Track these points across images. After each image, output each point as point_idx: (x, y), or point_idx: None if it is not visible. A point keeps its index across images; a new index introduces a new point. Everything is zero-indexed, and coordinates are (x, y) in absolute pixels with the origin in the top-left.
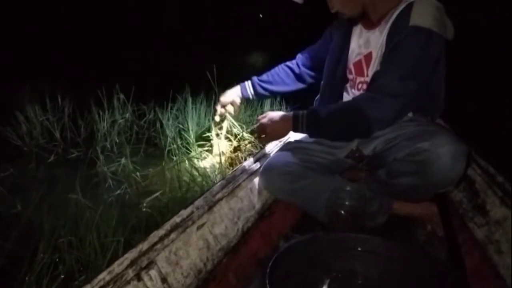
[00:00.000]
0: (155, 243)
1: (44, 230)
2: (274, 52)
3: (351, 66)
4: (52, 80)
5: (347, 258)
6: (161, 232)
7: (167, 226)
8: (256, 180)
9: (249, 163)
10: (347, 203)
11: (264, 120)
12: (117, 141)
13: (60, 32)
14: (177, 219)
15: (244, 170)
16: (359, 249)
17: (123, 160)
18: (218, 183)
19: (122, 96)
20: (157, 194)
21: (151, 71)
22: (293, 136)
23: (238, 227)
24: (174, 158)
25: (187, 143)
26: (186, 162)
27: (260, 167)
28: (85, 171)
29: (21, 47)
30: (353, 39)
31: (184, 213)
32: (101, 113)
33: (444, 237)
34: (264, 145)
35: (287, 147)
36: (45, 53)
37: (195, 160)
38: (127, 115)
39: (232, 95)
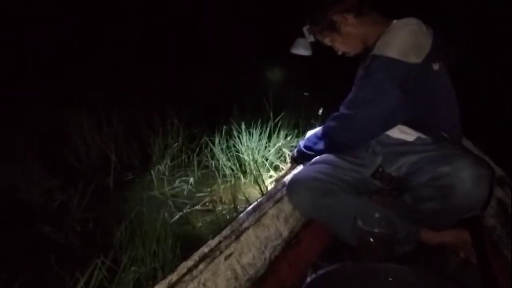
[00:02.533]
0: (184, 275)
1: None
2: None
3: None
4: (107, 103)
5: None
6: (189, 263)
7: (195, 256)
8: (282, 207)
9: (274, 190)
10: (376, 230)
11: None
12: (170, 164)
13: (113, 58)
14: (205, 249)
15: (270, 197)
16: (390, 279)
17: (177, 182)
18: (244, 212)
19: (175, 120)
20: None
21: (203, 95)
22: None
23: (265, 256)
24: (228, 181)
25: (241, 166)
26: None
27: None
28: (145, 193)
29: (80, 72)
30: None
31: (212, 243)
32: (154, 136)
33: (477, 265)
34: None
35: (313, 163)
36: (101, 78)
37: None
38: (180, 138)
39: None
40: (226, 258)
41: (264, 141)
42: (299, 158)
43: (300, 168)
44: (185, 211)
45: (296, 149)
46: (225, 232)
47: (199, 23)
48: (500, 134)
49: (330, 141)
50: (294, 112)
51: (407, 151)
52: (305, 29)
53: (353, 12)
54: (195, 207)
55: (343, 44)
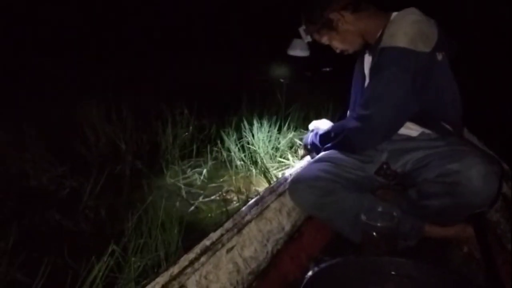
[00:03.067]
0: (186, 267)
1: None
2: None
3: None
4: (117, 92)
5: (380, 282)
6: (191, 255)
7: (197, 249)
8: (285, 200)
9: (277, 183)
10: (379, 224)
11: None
12: (179, 153)
13: (124, 47)
14: (206, 242)
15: (272, 191)
16: (393, 273)
17: (188, 172)
18: (247, 205)
19: (185, 110)
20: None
21: (212, 86)
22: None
23: (268, 249)
24: (239, 172)
25: (252, 157)
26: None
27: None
28: (156, 183)
29: (88, 61)
30: (365, 66)
31: (214, 236)
32: (163, 126)
33: (481, 260)
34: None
35: (316, 160)
36: (111, 67)
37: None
38: (190, 128)
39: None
40: (228, 251)
41: (274, 132)
42: (312, 149)
43: (304, 162)
44: (198, 201)
45: (309, 140)
46: (227, 225)
47: (207, 15)
48: (503, 128)
49: (349, 143)
50: (303, 105)
51: (413, 147)
52: (301, 30)
53: (350, 8)
54: (208, 198)
55: (342, 42)
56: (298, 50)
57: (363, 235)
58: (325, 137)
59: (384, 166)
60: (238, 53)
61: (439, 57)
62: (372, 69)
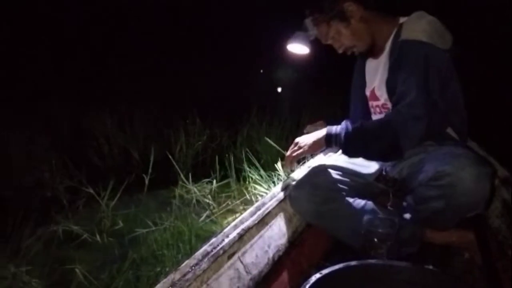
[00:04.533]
0: (186, 273)
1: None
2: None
3: (368, 95)
4: (129, 102)
5: None
6: (192, 261)
7: (198, 255)
8: (286, 206)
9: (278, 189)
10: (380, 230)
11: (300, 137)
12: (192, 162)
13: (136, 59)
14: (207, 248)
15: (273, 197)
16: (395, 278)
17: (201, 182)
18: (248, 211)
19: (198, 119)
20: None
21: (222, 95)
22: (322, 158)
23: (269, 255)
24: (249, 181)
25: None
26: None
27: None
28: (169, 192)
29: (101, 72)
30: (367, 71)
31: (215, 241)
32: (175, 135)
33: (482, 266)
34: (294, 159)
35: (316, 169)
36: (123, 78)
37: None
38: (204, 137)
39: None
40: (229, 257)
41: (283, 141)
42: (339, 143)
43: (303, 170)
44: (211, 210)
45: (339, 132)
46: (228, 230)
47: (217, 26)
48: (505, 134)
49: (403, 135)
50: (313, 112)
51: (409, 154)
52: (308, 21)
53: (364, 3)
54: (219, 207)
55: (351, 37)
56: (299, 44)
57: (365, 241)
58: (359, 133)
59: (384, 173)
60: (247, 61)
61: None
62: (395, 63)
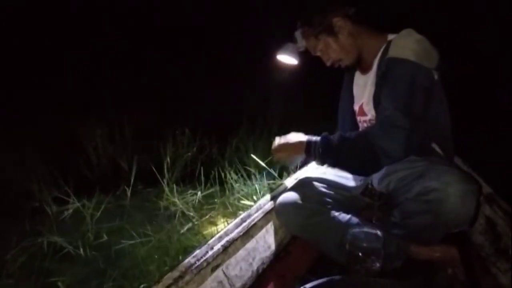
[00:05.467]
0: (169, 285)
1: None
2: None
3: (356, 110)
4: (119, 112)
5: None
6: (175, 273)
7: (181, 267)
8: (272, 218)
9: (264, 201)
10: (365, 244)
11: (281, 140)
12: (181, 174)
13: (124, 69)
14: (191, 260)
15: (259, 209)
16: None
17: (187, 193)
18: (233, 223)
19: (187, 130)
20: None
21: (211, 106)
22: (309, 171)
23: (253, 268)
24: (236, 192)
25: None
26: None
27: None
28: (155, 204)
29: (88, 80)
30: (355, 87)
31: (199, 253)
32: (165, 146)
33: (465, 282)
34: (277, 163)
35: (303, 181)
36: (113, 88)
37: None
38: (194, 149)
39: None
40: (213, 269)
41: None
42: (317, 155)
43: (289, 182)
44: (193, 223)
45: (319, 144)
46: (213, 242)
47: (208, 35)
48: (489, 151)
49: (374, 156)
50: (301, 125)
51: (396, 169)
52: (297, 33)
53: (352, 19)
54: (203, 218)
55: (338, 51)
56: (288, 55)
57: (349, 256)
58: (337, 143)
59: (370, 187)
60: (237, 71)
61: (436, 76)
62: (381, 78)
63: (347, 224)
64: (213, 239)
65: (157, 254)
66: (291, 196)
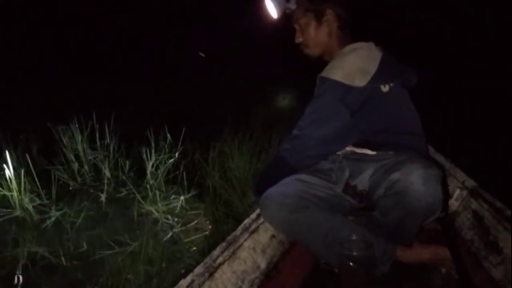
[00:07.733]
0: None
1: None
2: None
3: None
4: (99, 119)
5: None
6: None
7: None
8: (259, 237)
9: (249, 221)
10: (355, 253)
11: None
12: (164, 179)
13: (105, 74)
14: None
15: (245, 229)
16: None
17: (170, 199)
18: (218, 246)
19: (168, 136)
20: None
21: (196, 111)
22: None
23: None
24: (220, 199)
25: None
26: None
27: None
28: (137, 211)
29: (72, 87)
30: None
31: (184, 283)
32: (148, 152)
33: (460, 279)
34: None
35: (286, 180)
36: (94, 93)
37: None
38: (176, 154)
39: None
40: None
41: (254, 159)
42: (262, 188)
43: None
44: (176, 229)
45: (256, 182)
46: (198, 270)
47: (191, 40)
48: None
49: (283, 162)
50: (285, 128)
51: (367, 165)
52: None
53: (340, 22)
54: (186, 226)
55: (311, 37)
56: (274, 5)
57: (340, 266)
58: (267, 170)
59: (350, 184)
60: (223, 76)
61: (384, 89)
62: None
63: (331, 220)
64: (198, 266)
65: (137, 263)
66: (274, 192)
